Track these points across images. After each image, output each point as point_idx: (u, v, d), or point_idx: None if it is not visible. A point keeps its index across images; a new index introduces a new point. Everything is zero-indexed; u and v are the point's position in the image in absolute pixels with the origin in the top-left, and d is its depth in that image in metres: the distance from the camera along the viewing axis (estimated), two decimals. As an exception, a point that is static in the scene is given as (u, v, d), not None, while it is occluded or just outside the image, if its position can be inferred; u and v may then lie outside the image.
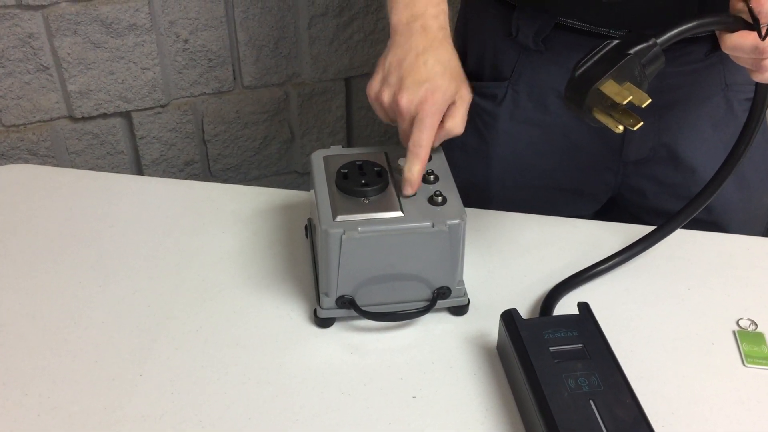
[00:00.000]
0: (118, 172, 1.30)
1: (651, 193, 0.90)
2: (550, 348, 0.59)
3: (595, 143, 0.86)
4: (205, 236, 0.78)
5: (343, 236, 0.62)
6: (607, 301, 0.70)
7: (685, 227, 0.92)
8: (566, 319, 0.62)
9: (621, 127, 0.59)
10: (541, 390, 0.55)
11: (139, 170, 1.32)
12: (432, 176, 0.67)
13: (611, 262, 0.73)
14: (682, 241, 0.78)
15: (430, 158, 0.70)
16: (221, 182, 1.41)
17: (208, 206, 0.82)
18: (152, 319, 0.68)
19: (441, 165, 0.69)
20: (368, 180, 0.66)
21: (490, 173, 0.91)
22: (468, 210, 0.64)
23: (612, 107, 0.59)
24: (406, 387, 0.62)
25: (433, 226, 0.63)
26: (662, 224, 0.76)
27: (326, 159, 0.70)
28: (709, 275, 0.73)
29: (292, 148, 1.41)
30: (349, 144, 1.47)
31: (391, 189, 0.66)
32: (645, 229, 0.78)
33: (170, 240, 0.77)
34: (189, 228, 0.79)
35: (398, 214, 0.63)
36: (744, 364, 0.64)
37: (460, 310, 0.68)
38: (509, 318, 0.62)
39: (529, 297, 0.70)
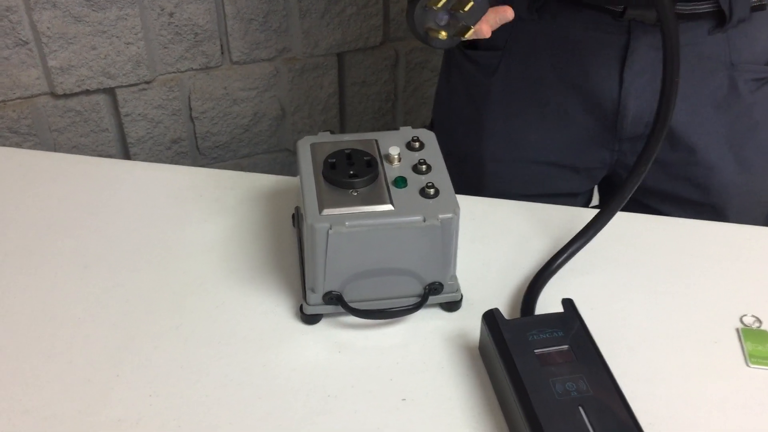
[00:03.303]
0: (103, 151, 1.27)
1: (647, 173, 0.88)
2: (535, 351, 0.56)
3: (589, 118, 0.84)
4: (188, 226, 0.75)
5: (330, 231, 0.58)
6: (598, 296, 0.67)
7: (683, 212, 0.89)
8: (550, 318, 0.59)
9: (468, 34, 0.61)
10: (527, 397, 0.52)
11: (125, 149, 1.28)
12: (424, 166, 0.64)
13: (573, 247, 0.69)
14: (680, 230, 0.75)
15: (423, 146, 0.66)
16: (210, 160, 1.37)
17: (192, 193, 0.79)
18: (131, 315, 0.65)
19: (433, 154, 0.66)
20: (357, 170, 0.62)
21: (483, 146, 0.89)
22: (463, 198, 0.61)
23: (448, 25, 0.61)
24: (395, 389, 0.59)
25: (424, 220, 0.59)
26: (605, 205, 0.71)
27: (313, 147, 0.66)
28: (710, 268, 0.70)
29: (283, 126, 1.38)
30: (341, 121, 1.43)
31: (381, 180, 0.62)
32: (643, 219, 0.75)
33: (152, 230, 0.74)
34: (172, 217, 0.76)
35: (388, 207, 0.60)
36: (748, 365, 0.61)
37: (452, 306, 0.65)
38: (491, 319, 0.59)
39: (524, 290, 0.67)
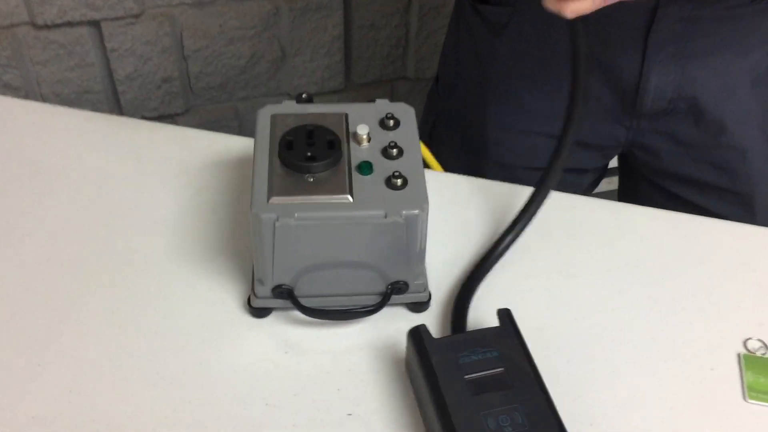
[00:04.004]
0: (89, 87, 1.20)
1: (666, 154, 0.80)
2: (466, 376, 0.48)
3: (605, 90, 0.76)
4: (142, 192, 0.68)
5: (277, 223, 0.51)
6: (570, 303, 0.60)
7: (706, 200, 0.81)
8: (484, 334, 0.51)
9: None
10: None
11: (112, 85, 1.21)
12: (395, 149, 0.56)
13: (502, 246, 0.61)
14: (684, 228, 0.66)
15: (398, 124, 0.58)
16: (204, 101, 1.30)
17: (152, 153, 0.71)
18: (63, 294, 0.59)
19: (409, 135, 0.58)
20: (316, 152, 0.54)
21: (487, 111, 0.82)
22: (445, 177, 0.53)
23: None
24: (342, 401, 0.53)
25: (386, 216, 0.52)
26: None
27: (274, 119, 0.58)
28: (717, 277, 0.62)
29: (283, 68, 1.29)
30: (347, 67, 1.34)
31: (344, 164, 0.55)
32: (651, 213, 0.67)
33: (102, 194, 0.67)
34: (126, 180, 0.69)
35: (346, 198, 0.53)
36: (745, 399, 0.54)
37: (419, 306, 0.58)
38: (417, 337, 0.51)
39: (506, 288, 0.60)
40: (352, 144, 0.57)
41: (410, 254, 0.54)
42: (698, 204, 0.82)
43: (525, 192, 0.64)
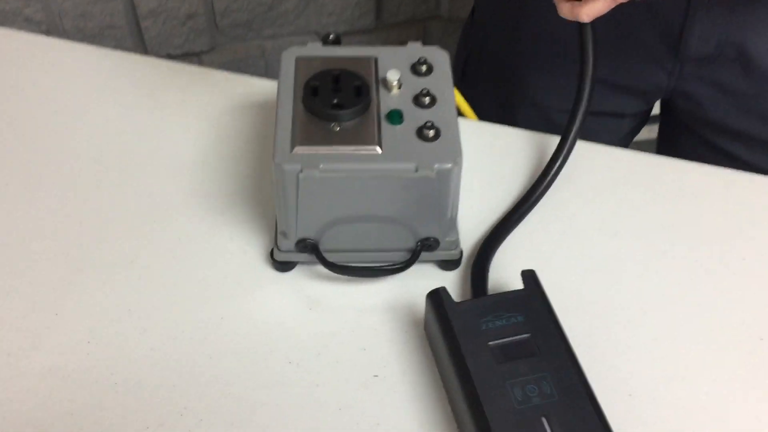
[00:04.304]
0: (111, 22, 1.16)
1: (711, 103, 0.75)
2: (490, 343, 0.46)
3: (647, 31, 0.71)
4: (162, 136, 0.65)
5: (300, 175, 0.48)
6: (612, 270, 0.56)
7: (753, 155, 0.76)
8: (508, 298, 0.48)
9: None
10: (480, 407, 0.43)
11: (135, 21, 1.17)
12: (427, 98, 0.52)
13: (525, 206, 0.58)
14: (736, 186, 0.62)
15: (431, 70, 0.55)
16: (230, 39, 1.26)
17: (173, 95, 0.69)
18: (81, 241, 0.57)
19: (442, 82, 0.54)
20: (342, 99, 0.51)
21: (520, 49, 0.78)
22: (479, 126, 0.49)
23: None
24: (367, 361, 0.51)
25: (416, 169, 0.49)
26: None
27: (298, 62, 0.55)
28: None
29: (311, 6, 1.24)
30: (378, 5, 1.28)
31: (372, 113, 0.51)
32: (698, 168, 0.62)
33: (120, 138, 0.65)
34: (145, 123, 0.66)
35: (374, 149, 0.49)
36: (794, 371, 0.51)
37: (450, 264, 0.56)
38: (438, 301, 0.48)
39: (536, 247, 0.57)
40: (382, 91, 0.53)
41: (442, 210, 0.51)
42: (744, 159, 0.77)
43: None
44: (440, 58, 0.55)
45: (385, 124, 0.51)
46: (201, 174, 0.62)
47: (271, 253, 0.55)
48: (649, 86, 0.76)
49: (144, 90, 0.69)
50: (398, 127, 0.51)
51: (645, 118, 0.87)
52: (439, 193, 0.50)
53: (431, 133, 0.50)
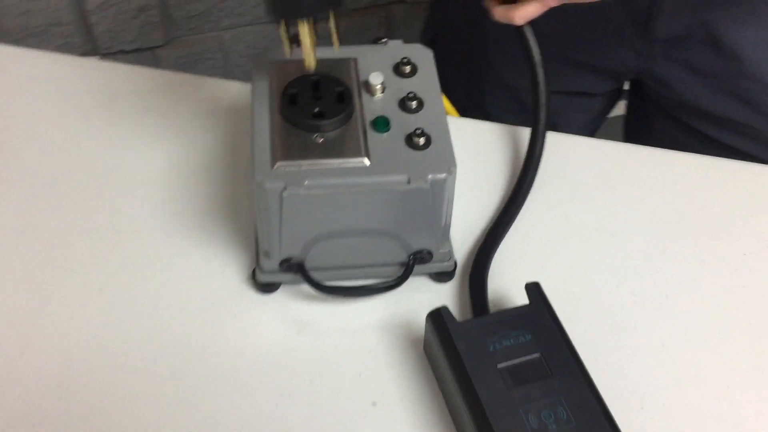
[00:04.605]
0: (56, 18, 1.09)
1: (682, 83, 0.73)
2: (499, 365, 0.43)
3: (617, 11, 0.69)
4: (126, 147, 0.60)
5: (284, 193, 0.44)
6: (615, 272, 0.54)
7: (728, 136, 0.74)
8: (514, 315, 0.45)
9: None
10: None
11: (83, 17, 1.10)
12: (414, 102, 0.48)
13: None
14: (733, 176, 0.60)
15: (415, 70, 0.51)
16: (186, 32, 1.20)
17: (132, 102, 0.64)
18: (47, 269, 0.52)
19: (428, 83, 0.50)
20: (324, 107, 0.47)
21: (485, 30, 0.75)
22: (464, 124, 0.46)
23: None
24: (364, 388, 0.47)
25: (408, 181, 0.45)
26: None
27: (272, 67, 0.50)
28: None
29: (269, -7, 1.18)
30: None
31: (356, 121, 0.47)
32: (692, 159, 0.60)
33: (78, 154, 0.60)
34: (104, 136, 0.61)
35: (362, 161, 0.46)
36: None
37: (444, 276, 0.52)
38: (439, 322, 0.45)
39: (533, 252, 0.54)
40: (365, 95, 0.49)
41: (435, 221, 0.48)
42: (717, 139, 0.76)
43: (557, 139, 0.57)
44: (424, 57, 0.52)
45: (371, 133, 0.47)
46: (170, 188, 0.58)
47: (253, 274, 0.51)
48: (619, 66, 0.75)
49: (101, 98, 0.64)
50: (385, 135, 0.47)
51: (617, 97, 0.85)
52: (432, 205, 0.47)
53: (421, 140, 0.46)
